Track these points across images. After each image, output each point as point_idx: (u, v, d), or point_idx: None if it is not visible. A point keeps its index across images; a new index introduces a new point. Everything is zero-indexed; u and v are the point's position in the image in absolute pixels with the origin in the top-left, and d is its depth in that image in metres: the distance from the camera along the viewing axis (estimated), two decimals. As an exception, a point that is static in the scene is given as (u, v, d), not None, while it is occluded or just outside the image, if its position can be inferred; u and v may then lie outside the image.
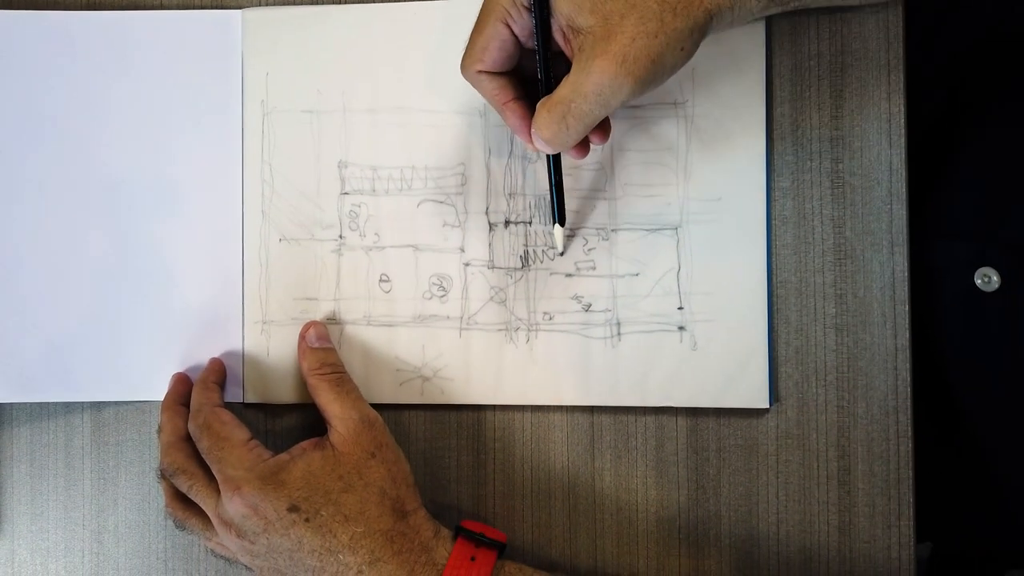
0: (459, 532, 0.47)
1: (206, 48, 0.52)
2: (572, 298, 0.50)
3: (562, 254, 0.49)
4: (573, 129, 0.42)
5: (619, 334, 0.50)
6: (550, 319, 0.51)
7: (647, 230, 0.50)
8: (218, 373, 0.51)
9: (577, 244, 0.51)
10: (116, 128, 0.52)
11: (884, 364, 0.48)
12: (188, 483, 0.48)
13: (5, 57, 0.52)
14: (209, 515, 0.48)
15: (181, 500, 0.49)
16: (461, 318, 0.51)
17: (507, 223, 0.51)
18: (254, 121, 0.52)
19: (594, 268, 0.50)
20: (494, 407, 0.51)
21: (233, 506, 0.45)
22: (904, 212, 0.48)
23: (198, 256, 0.52)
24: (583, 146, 0.45)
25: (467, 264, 0.51)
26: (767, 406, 0.49)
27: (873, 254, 0.49)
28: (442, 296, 0.51)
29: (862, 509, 0.48)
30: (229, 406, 0.51)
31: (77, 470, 0.53)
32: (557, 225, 0.48)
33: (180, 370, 0.53)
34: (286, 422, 0.53)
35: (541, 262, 0.51)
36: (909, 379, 0.48)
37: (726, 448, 0.50)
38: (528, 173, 0.51)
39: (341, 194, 0.52)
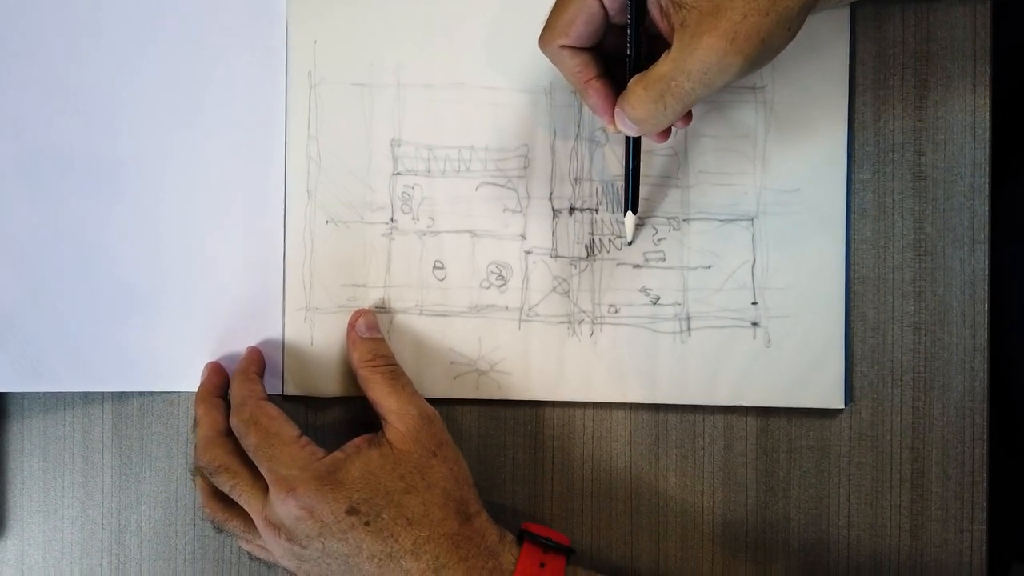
0: (524, 536, 0.44)
1: (246, 12, 0.48)
2: (640, 290, 0.48)
3: (631, 243, 0.46)
4: (671, 109, 0.39)
5: (689, 329, 0.47)
6: (616, 312, 0.48)
7: (721, 220, 0.47)
8: (258, 363, 0.48)
9: (646, 234, 0.48)
10: (146, 102, 0.48)
11: (961, 365, 0.47)
12: (231, 482, 0.44)
13: (28, 27, 0.48)
14: (253, 516, 0.44)
15: (220, 500, 0.45)
16: (521, 309, 0.48)
17: (572, 210, 0.48)
18: (300, 93, 0.48)
19: (664, 259, 0.48)
20: (553, 403, 0.49)
21: (286, 508, 0.42)
22: (986, 209, 0.47)
23: (235, 237, 0.48)
24: (667, 130, 0.42)
25: (528, 252, 0.48)
26: (842, 406, 0.47)
27: (954, 251, 0.47)
28: (501, 285, 0.48)
29: (935, 513, 0.47)
30: (271, 399, 0.47)
31: (96, 465, 0.49)
32: (629, 213, 0.45)
33: (213, 359, 0.49)
34: (329, 416, 0.49)
35: (607, 252, 0.48)
36: (987, 380, 0.47)
37: (796, 449, 0.48)
38: (596, 157, 0.48)
39: (393, 174, 0.48)
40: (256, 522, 0.43)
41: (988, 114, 0.46)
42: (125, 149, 0.48)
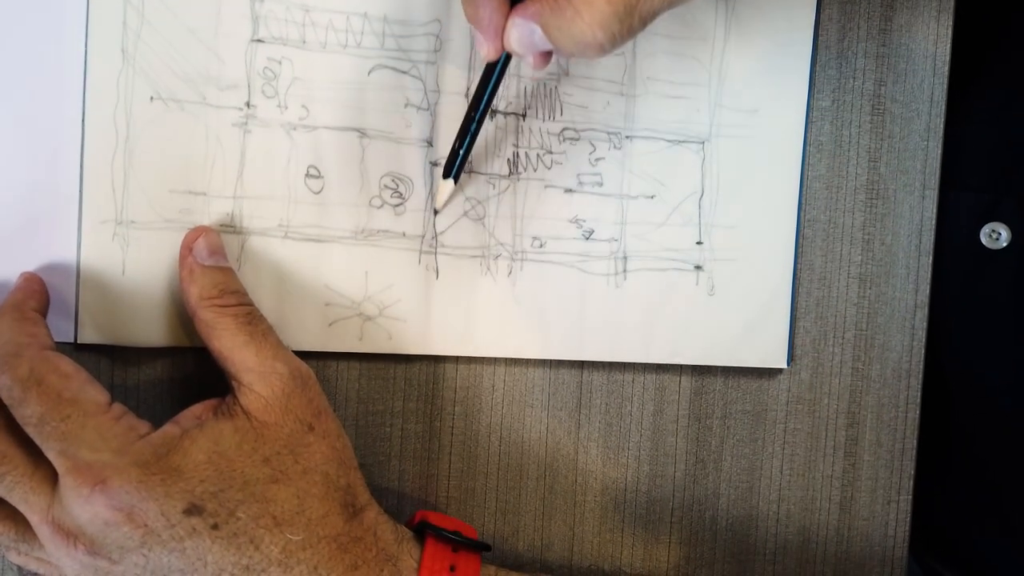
0: (425, 530, 0.34)
1: None
2: (571, 221, 0.38)
3: (437, 212, 0.36)
4: (632, 32, 0.29)
5: (625, 271, 0.39)
6: (541, 246, 0.38)
7: (669, 141, 0.39)
8: (39, 297, 0.32)
9: (582, 151, 0.38)
10: None
11: (902, 322, 0.42)
12: (-3, 472, 0.29)
13: None
14: (32, 520, 0.30)
15: (-22, 498, 0.30)
16: (422, 237, 0.37)
17: (493, 113, 0.37)
18: (114, -96, 0.33)
19: (601, 184, 0.38)
20: (457, 359, 0.38)
21: (91, 508, 0.28)
22: (939, 152, 0.42)
23: (4, 112, 0.32)
24: (548, 55, 0.33)
25: (435, 164, 0.37)
26: (785, 365, 0.41)
27: (904, 196, 0.42)
28: (397, 205, 0.37)
29: (865, 483, 0.43)
30: (59, 350, 0.32)
31: None
32: (448, 180, 0.35)
33: (-36, 289, 0.33)
34: (145, 374, 0.35)
35: (535, 170, 0.38)
36: (924, 340, 0.43)
37: (732, 415, 0.41)
38: (527, 47, 0.37)
39: (252, 40, 0.35)
40: (36, 527, 0.29)
41: (949, 45, 0.41)
42: None
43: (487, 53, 0.31)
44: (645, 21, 0.29)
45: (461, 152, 0.34)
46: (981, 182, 0.44)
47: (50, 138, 0.32)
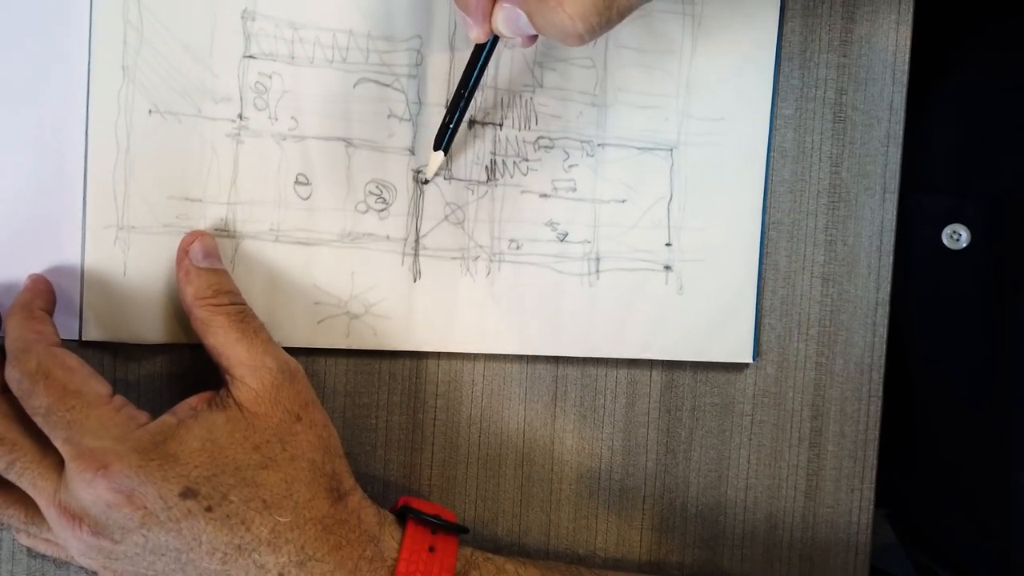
0: (406, 514, 0.36)
1: None
2: (546, 224, 0.41)
3: (427, 182, 0.38)
4: (613, 22, 0.31)
5: (598, 271, 0.41)
6: (517, 248, 0.40)
7: (639, 148, 0.41)
8: (46, 297, 0.35)
9: (556, 158, 0.41)
10: None
11: (864, 319, 0.45)
12: (8, 457, 0.32)
13: None
14: (39, 503, 0.32)
15: (-11, 482, 0.33)
16: (405, 240, 0.39)
17: (472, 123, 0.40)
18: (115, -70, 0.35)
19: (575, 189, 0.41)
20: (439, 355, 0.41)
21: (94, 491, 0.30)
22: (899, 157, 0.44)
23: (12, 124, 0.35)
24: (535, 36, 0.35)
25: (417, 171, 0.39)
26: (751, 360, 0.43)
27: (866, 199, 0.44)
28: (381, 210, 0.39)
29: (829, 473, 0.45)
30: (65, 347, 0.35)
31: None
32: (439, 152, 0.37)
33: (-23, 290, 0.35)
34: (146, 370, 0.38)
35: (511, 176, 0.40)
36: (885, 335, 0.45)
37: (701, 407, 0.44)
38: (504, 60, 0.40)
39: (245, 57, 0.37)
40: (44, 510, 0.32)
41: (908, 56, 0.44)
42: None
43: (476, 36, 0.33)
44: (623, 14, 0.30)
45: (451, 126, 0.36)
46: (945, 184, 0.46)
47: (56, 149, 0.34)
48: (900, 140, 0.43)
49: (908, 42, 0.42)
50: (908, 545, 0.52)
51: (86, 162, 0.34)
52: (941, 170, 0.46)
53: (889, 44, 0.42)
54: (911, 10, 0.42)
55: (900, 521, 0.51)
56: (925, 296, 0.46)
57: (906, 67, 0.43)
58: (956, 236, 0.45)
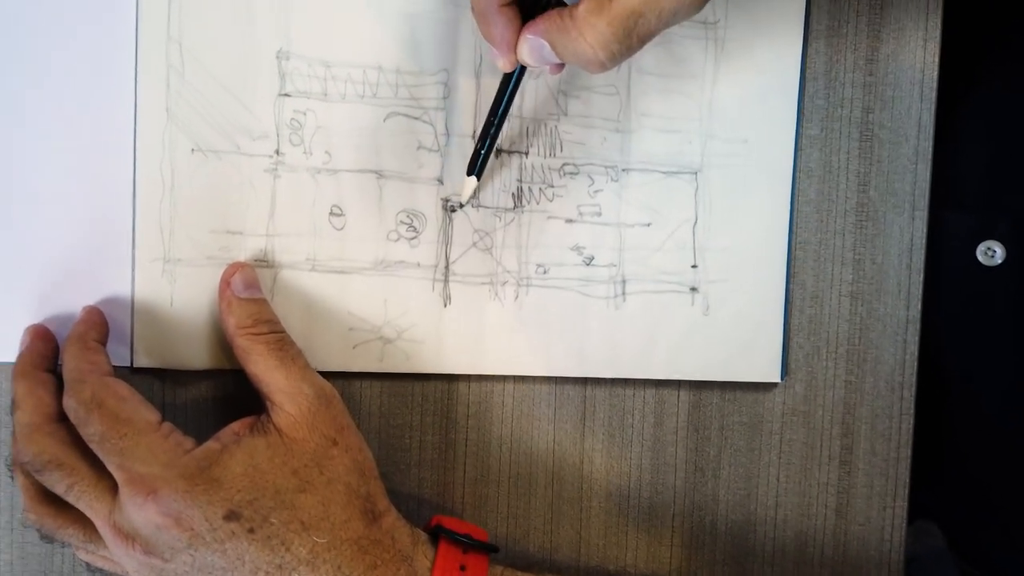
0: (439, 533, 0.38)
1: None
2: (572, 249, 0.42)
3: (462, 206, 0.40)
4: (632, 50, 0.32)
5: (624, 293, 0.42)
6: (544, 273, 0.42)
7: (664, 173, 0.42)
8: (99, 328, 0.37)
9: (581, 184, 0.42)
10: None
11: (894, 336, 0.45)
12: (66, 481, 0.34)
13: None
14: (97, 523, 0.34)
15: (50, 502, 0.35)
16: (435, 267, 0.41)
17: (499, 151, 0.41)
18: (157, -20, 0.37)
19: (600, 214, 0.42)
20: (469, 377, 0.42)
21: (144, 514, 0.33)
22: (928, 174, 0.44)
23: (66, 165, 0.37)
24: (562, 64, 0.36)
25: (446, 200, 0.41)
26: (778, 380, 0.44)
27: (894, 217, 0.44)
28: (412, 238, 0.40)
29: (860, 490, 0.45)
30: (117, 373, 0.37)
31: None
32: (471, 177, 0.38)
33: (36, 322, 0.38)
34: (192, 394, 0.40)
35: (537, 203, 0.41)
36: (916, 353, 0.45)
37: (729, 426, 0.44)
38: (528, 90, 0.41)
39: (280, 95, 0.39)
40: (101, 530, 0.34)
41: (936, 73, 0.44)
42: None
43: (502, 65, 0.34)
44: (643, 41, 0.31)
45: (483, 152, 0.37)
46: (977, 201, 0.46)
47: (107, 188, 0.37)
48: (929, 157, 0.43)
49: (936, 59, 0.42)
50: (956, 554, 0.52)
51: (134, 200, 0.37)
52: (971, 187, 0.46)
53: (916, 62, 0.42)
54: (939, 27, 0.42)
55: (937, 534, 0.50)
56: (957, 312, 0.46)
57: (934, 84, 0.43)
58: (991, 253, 0.45)
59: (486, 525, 0.41)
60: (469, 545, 0.36)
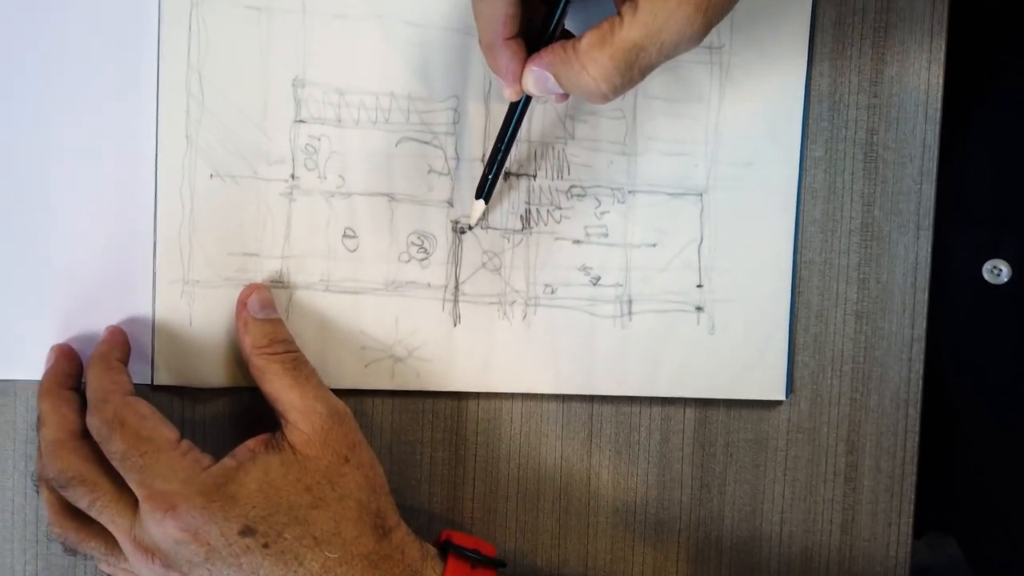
0: (448, 548, 0.39)
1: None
2: (579, 269, 0.43)
3: (471, 228, 0.41)
4: (634, 82, 0.33)
5: (630, 313, 0.43)
6: (552, 293, 0.43)
7: (669, 195, 0.43)
8: (122, 348, 0.39)
9: (588, 207, 0.43)
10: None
11: (899, 354, 0.45)
12: (89, 496, 0.35)
13: None
14: (118, 538, 0.36)
15: (74, 516, 0.37)
16: (445, 287, 0.42)
17: (507, 174, 0.42)
18: (177, 11, 0.39)
19: (606, 235, 0.43)
20: (479, 394, 0.43)
21: (164, 529, 0.34)
22: (932, 193, 0.45)
23: (90, 189, 0.39)
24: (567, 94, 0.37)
25: (456, 222, 0.42)
26: (783, 398, 0.44)
27: (899, 236, 0.45)
28: (423, 259, 0.42)
29: (865, 507, 0.46)
30: (138, 391, 0.39)
31: (-100, 471, 0.39)
32: (480, 200, 0.39)
33: (61, 341, 0.39)
34: (210, 410, 0.41)
35: (545, 224, 0.42)
36: (922, 371, 0.46)
37: (734, 443, 0.45)
38: (536, 115, 0.42)
39: (295, 121, 0.40)
40: (122, 544, 0.35)
41: (940, 94, 0.44)
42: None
43: (509, 95, 0.35)
44: (644, 73, 0.32)
45: (491, 177, 0.38)
46: (983, 219, 0.47)
47: (128, 212, 0.38)
48: (934, 177, 0.43)
49: (940, 80, 0.43)
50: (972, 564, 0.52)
51: (155, 223, 0.38)
52: (977, 205, 0.46)
53: (921, 83, 0.43)
54: (943, 48, 0.43)
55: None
56: (963, 330, 0.46)
57: (939, 105, 0.43)
58: (997, 271, 0.46)
59: (494, 540, 0.42)
60: (477, 560, 0.37)
